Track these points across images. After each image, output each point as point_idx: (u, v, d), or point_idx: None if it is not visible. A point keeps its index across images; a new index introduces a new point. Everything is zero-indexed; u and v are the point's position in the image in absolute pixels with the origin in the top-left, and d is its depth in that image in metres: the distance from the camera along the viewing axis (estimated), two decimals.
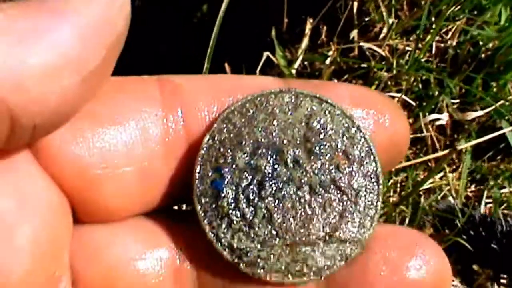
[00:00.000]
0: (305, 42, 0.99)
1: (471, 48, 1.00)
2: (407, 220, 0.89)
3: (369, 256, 0.33)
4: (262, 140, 0.33)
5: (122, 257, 0.32)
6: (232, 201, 0.32)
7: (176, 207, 0.36)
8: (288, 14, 1.02)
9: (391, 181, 0.94)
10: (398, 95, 0.94)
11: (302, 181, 0.33)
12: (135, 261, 0.32)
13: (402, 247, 0.33)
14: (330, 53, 0.98)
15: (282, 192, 0.32)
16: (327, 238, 0.32)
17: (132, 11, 0.28)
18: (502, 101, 0.95)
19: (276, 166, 0.33)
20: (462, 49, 0.98)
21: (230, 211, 0.32)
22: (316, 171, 0.33)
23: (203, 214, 0.32)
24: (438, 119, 0.95)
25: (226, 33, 1.09)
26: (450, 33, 1.00)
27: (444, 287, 0.33)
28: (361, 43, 0.98)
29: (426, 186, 0.94)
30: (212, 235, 0.32)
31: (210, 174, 0.32)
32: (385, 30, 0.99)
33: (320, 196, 0.33)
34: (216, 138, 0.33)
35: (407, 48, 0.98)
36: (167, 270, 0.33)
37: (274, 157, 0.33)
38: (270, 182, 0.32)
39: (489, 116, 0.98)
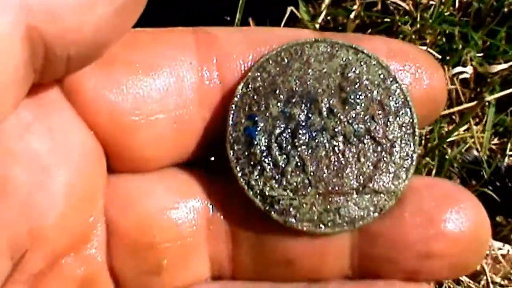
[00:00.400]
0: None
1: (495, 2, 1.00)
2: (433, 172, 0.89)
3: (404, 207, 0.33)
4: (297, 88, 0.33)
5: (155, 206, 0.33)
6: (264, 148, 0.32)
7: (210, 159, 0.36)
8: None
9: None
10: (423, 48, 0.94)
11: (336, 130, 0.33)
12: (168, 210, 0.33)
13: (439, 199, 0.33)
14: (354, 7, 0.98)
15: (316, 141, 0.33)
16: (360, 188, 0.33)
17: None
18: None
19: (310, 115, 0.33)
20: (485, 2, 0.98)
21: (263, 159, 0.32)
22: (350, 121, 0.33)
23: (235, 161, 0.33)
24: (463, 72, 0.96)
25: None
26: None
27: (482, 241, 0.34)
28: None
29: (451, 138, 0.95)
30: (244, 182, 0.32)
31: (243, 121, 0.33)
32: None
33: (354, 146, 0.33)
34: (250, 86, 0.33)
35: (431, 2, 0.98)
36: (200, 220, 0.33)
37: (308, 105, 0.33)
38: (304, 131, 0.33)
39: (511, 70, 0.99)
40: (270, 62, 0.33)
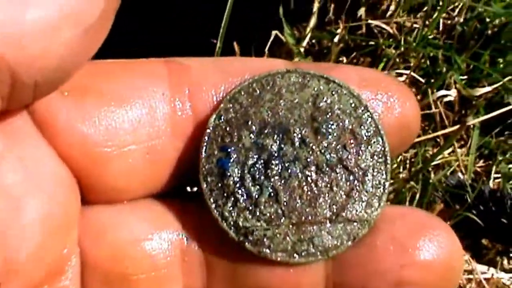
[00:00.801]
0: (313, 20, 1.00)
1: (478, 24, 1.00)
2: (417, 196, 0.89)
3: (377, 236, 0.33)
4: (269, 119, 0.33)
5: (128, 237, 0.33)
6: (238, 179, 0.32)
7: (184, 189, 0.36)
8: None
9: (401, 157, 0.95)
10: (407, 72, 0.94)
11: (309, 160, 0.32)
12: (142, 241, 0.33)
13: (412, 228, 0.33)
14: (338, 31, 0.98)
15: (289, 171, 0.32)
16: (333, 217, 0.32)
17: None
18: (509, 77, 0.96)
19: (282, 145, 0.33)
20: (469, 25, 0.98)
21: (236, 190, 0.32)
22: (322, 150, 0.33)
23: (208, 193, 0.32)
24: (447, 95, 0.96)
25: (234, 13, 1.09)
26: (457, 10, 1.00)
27: (455, 270, 0.33)
28: (369, 21, 0.99)
29: (435, 162, 0.95)
30: (218, 213, 0.32)
31: (216, 153, 0.33)
32: (392, 7, 0.99)
33: (327, 176, 0.33)
34: (222, 118, 0.33)
35: (415, 25, 0.98)
36: (175, 251, 0.33)
37: (280, 136, 0.33)
38: (277, 161, 0.32)
39: (496, 92, 0.99)
40: (242, 93, 0.33)
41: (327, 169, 0.33)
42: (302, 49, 0.98)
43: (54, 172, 0.31)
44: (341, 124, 0.33)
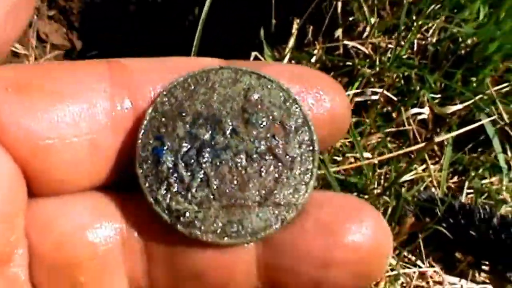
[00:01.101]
0: (291, 41, 1.03)
1: (451, 44, 1.03)
2: (389, 210, 0.92)
3: (305, 219, 0.34)
4: (202, 111, 0.35)
5: (72, 227, 0.34)
6: (171, 166, 0.34)
7: (125, 181, 0.37)
8: (276, 16, 1.06)
9: (376, 173, 0.98)
10: (380, 90, 0.98)
11: (239, 148, 0.34)
12: (84, 230, 0.34)
13: (339, 212, 0.34)
14: (316, 51, 1.02)
15: (220, 158, 0.34)
16: (262, 201, 0.34)
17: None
18: (480, 95, 0.98)
19: (214, 135, 0.34)
20: (442, 46, 1.01)
21: (169, 176, 0.34)
22: (252, 139, 0.34)
23: (144, 179, 0.34)
24: (420, 113, 0.99)
25: (217, 35, 1.14)
26: (430, 31, 1.04)
27: (382, 251, 0.34)
28: (346, 42, 1.02)
29: (409, 177, 0.98)
30: (151, 198, 0.34)
31: (151, 142, 0.34)
32: (368, 29, 1.03)
33: (256, 163, 0.34)
34: (158, 110, 0.35)
35: (389, 45, 1.02)
36: (116, 239, 0.35)
37: (212, 126, 0.35)
38: (208, 149, 0.34)
39: (469, 110, 1.02)
40: (178, 87, 0.35)
41: (257, 156, 0.34)
42: None
43: None
44: (270, 115, 0.35)
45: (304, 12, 1.02)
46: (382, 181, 0.98)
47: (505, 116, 1.00)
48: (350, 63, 1.02)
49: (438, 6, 1.03)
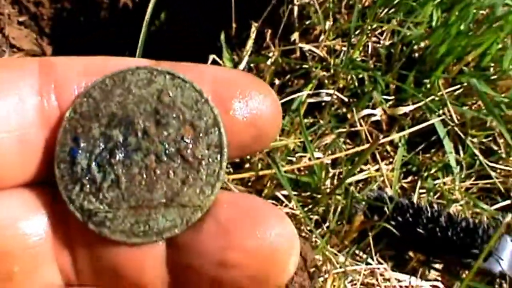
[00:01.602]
0: (249, 44, 1.05)
1: (404, 47, 1.05)
2: (339, 208, 0.94)
3: (207, 220, 0.35)
4: (117, 112, 0.35)
5: (4, 219, 0.35)
6: (85, 166, 0.35)
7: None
8: (236, 20, 1.08)
9: (330, 173, 1.00)
10: (332, 92, 1.00)
11: (149, 150, 0.35)
12: (16, 222, 0.35)
13: (239, 213, 0.35)
14: (272, 54, 1.04)
15: (131, 160, 0.35)
16: (168, 202, 0.35)
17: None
18: (432, 97, 1.00)
19: (127, 136, 0.35)
20: (395, 48, 1.03)
21: (83, 176, 0.35)
22: (162, 141, 0.35)
23: (60, 179, 0.35)
24: (373, 114, 1.01)
25: (175, 38, 1.16)
26: (384, 34, 1.06)
27: (284, 255, 0.34)
28: (301, 45, 1.04)
29: (362, 177, 1.00)
30: (66, 197, 0.35)
31: (69, 142, 0.35)
32: (323, 32, 1.05)
33: (165, 164, 0.35)
34: (77, 111, 0.35)
35: (344, 48, 1.04)
36: (45, 232, 0.36)
37: (126, 127, 0.35)
38: (120, 150, 0.35)
39: (421, 112, 1.04)
40: (96, 88, 0.36)
41: (166, 158, 0.35)
42: None
43: None
44: (181, 116, 0.35)
45: (262, 16, 1.04)
46: (335, 181, 0.99)
47: (456, 117, 1.01)
48: (306, 66, 1.04)
49: (392, 10, 1.05)
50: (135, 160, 0.35)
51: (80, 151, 0.35)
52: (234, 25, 1.09)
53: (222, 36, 1.07)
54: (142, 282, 0.36)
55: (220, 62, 1.04)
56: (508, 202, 1.02)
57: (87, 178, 0.35)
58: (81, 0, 1.34)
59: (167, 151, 0.35)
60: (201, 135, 0.35)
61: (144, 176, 0.35)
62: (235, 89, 0.36)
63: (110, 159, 0.35)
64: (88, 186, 0.35)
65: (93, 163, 0.35)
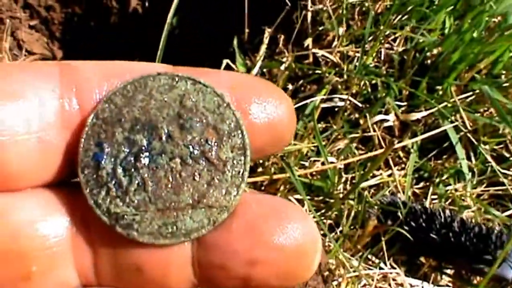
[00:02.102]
0: (262, 49, 1.06)
1: (417, 54, 1.06)
2: (352, 213, 0.94)
3: (233, 219, 0.36)
4: (140, 117, 0.36)
5: (24, 220, 0.36)
6: (110, 171, 0.36)
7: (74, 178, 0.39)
8: (249, 25, 1.09)
9: (342, 178, 1.00)
10: (346, 97, 1.00)
11: (174, 153, 0.36)
12: (36, 223, 0.36)
13: (266, 212, 0.36)
14: (286, 59, 1.05)
15: (156, 163, 0.36)
16: (195, 204, 0.36)
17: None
18: (445, 103, 1.01)
19: (151, 140, 0.36)
20: (408, 55, 1.04)
21: (109, 180, 0.36)
22: (187, 144, 0.36)
23: (85, 184, 0.36)
24: (385, 120, 1.01)
25: (188, 43, 1.16)
26: (397, 41, 1.07)
27: (308, 253, 0.35)
28: (314, 50, 1.05)
29: (374, 182, 1.00)
30: (92, 201, 0.36)
31: (92, 148, 0.36)
32: (337, 38, 1.05)
33: (190, 167, 0.36)
34: (99, 117, 0.36)
35: (357, 54, 1.04)
36: (65, 233, 0.37)
37: (150, 132, 0.36)
38: (145, 154, 0.36)
39: (434, 118, 1.04)
40: (118, 94, 0.36)
41: (191, 161, 0.36)
42: None
43: None
44: (204, 120, 0.36)
45: (275, 21, 1.04)
46: (347, 186, 1.00)
47: (468, 124, 1.02)
48: (319, 71, 1.04)
49: (405, 17, 1.06)
50: (160, 163, 0.36)
51: (104, 156, 0.36)
52: (247, 30, 1.09)
53: (235, 41, 1.07)
54: (167, 282, 0.37)
55: (233, 66, 1.05)
56: None
57: (113, 182, 0.36)
58: (92, 5, 1.35)
59: (192, 154, 0.36)
60: (224, 138, 0.36)
61: (170, 179, 0.36)
62: (253, 94, 0.37)
63: (135, 163, 0.36)
64: (114, 190, 0.36)
65: (118, 167, 0.36)
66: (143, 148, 0.36)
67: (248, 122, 0.37)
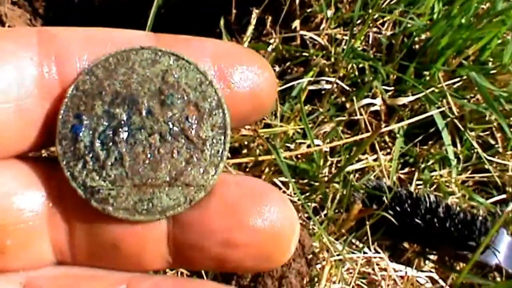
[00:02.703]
0: (249, 31, 1.05)
1: (406, 39, 1.05)
2: (337, 196, 0.93)
3: (212, 199, 0.36)
4: (121, 91, 0.36)
5: (0, 192, 0.35)
6: (88, 144, 0.35)
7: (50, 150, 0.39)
8: (236, 5, 1.08)
9: (328, 161, 0.99)
10: (333, 80, 0.99)
11: (154, 129, 0.36)
12: (12, 196, 0.36)
13: (244, 193, 0.36)
14: (273, 41, 1.04)
15: (135, 138, 0.35)
16: (172, 181, 0.35)
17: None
18: (432, 88, 1.00)
19: (131, 115, 0.36)
20: (396, 39, 1.03)
21: (86, 153, 0.35)
22: (167, 121, 0.36)
23: (62, 155, 0.35)
24: (372, 104, 1.01)
25: (174, 23, 1.15)
26: (386, 24, 1.06)
27: (285, 236, 0.36)
28: (302, 32, 1.04)
29: (359, 166, 0.99)
30: (69, 173, 0.35)
31: (71, 119, 0.36)
32: (325, 20, 1.04)
33: (169, 144, 0.36)
34: (79, 88, 0.36)
35: (345, 37, 1.04)
36: (41, 207, 0.36)
37: (130, 106, 0.36)
38: (124, 129, 0.35)
39: (421, 103, 1.04)
40: (99, 66, 0.36)
41: (170, 137, 0.36)
42: None
43: None
44: (186, 97, 0.36)
45: (263, 2, 1.03)
46: (333, 169, 0.99)
47: (455, 110, 1.02)
48: (306, 54, 1.03)
49: (394, 0, 1.05)
50: (139, 139, 0.35)
51: (83, 128, 0.35)
52: (234, 11, 1.08)
53: (222, 22, 1.06)
54: (142, 260, 0.37)
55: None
56: (503, 196, 1.02)
57: (90, 155, 0.35)
58: None
59: (171, 131, 0.36)
60: (205, 116, 0.36)
61: (148, 155, 0.35)
62: (235, 62, 0.36)
63: (114, 137, 0.35)
64: (91, 163, 0.35)
65: (97, 141, 0.35)
66: (123, 122, 0.36)
67: (230, 90, 0.36)
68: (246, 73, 0.36)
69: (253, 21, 1.05)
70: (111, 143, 0.35)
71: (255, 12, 1.05)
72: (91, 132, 0.36)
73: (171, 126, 0.36)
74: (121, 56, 0.36)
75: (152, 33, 0.38)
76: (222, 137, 0.36)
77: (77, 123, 0.36)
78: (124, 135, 0.35)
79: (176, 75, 0.36)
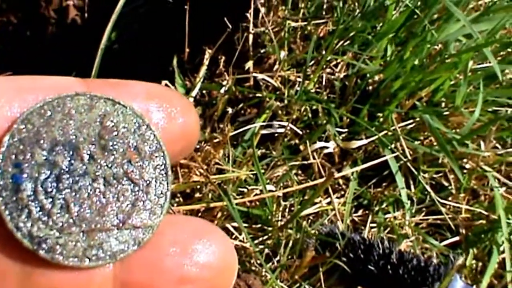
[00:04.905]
0: (202, 71, 1.04)
1: (359, 80, 1.05)
2: (290, 242, 0.92)
3: (161, 239, 0.36)
4: (60, 138, 0.35)
5: None
6: (31, 193, 0.34)
7: None
8: (189, 44, 1.06)
9: (281, 206, 0.98)
10: (286, 124, 0.99)
11: (97, 174, 0.35)
12: None
13: (190, 232, 0.36)
14: (226, 82, 1.02)
15: (79, 185, 0.35)
16: (120, 225, 0.35)
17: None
18: (385, 131, 1.00)
19: (72, 161, 0.35)
20: (349, 81, 1.03)
21: (30, 203, 0.34)
22: (109, 165, 0.35)
23: (3, 206, 0.34)
24: (325, 147, 1.00)
25: (126, 60, 1.13)
26: (339, 66, 1.06)
27: (229, 268, 0.37)
28: (255, 74, 1.03)
29: (313, 210, 0.99)
30: (12, 225, 0.34)
31: (10, 169, 0.34)
32: (278, 62, 1.04)
33: (114, 187, 0.35)
34: (16, 137, 0.35)
35: (298, 79, 1.03)
36: None
37: (70, 153, 0.35)
38: (67, 176, 0.35)
39: (374, 146, 1.04)
40: (35, 114, 0.35)
41: (114, 181, 0.35)
42: (191, 99, 1.02)
43: None
44: (126, 141, 0.35)
45: (216, 42, 1.02)
46: (286, 213, 0.98)
47: (408, 153, 1.01)
48: (259, 95, 1.02)
49: (347, 42, 1.05)
50: (83, 184, 0.35)
51: (24, 177, 0.34)
52: (187, 50, 1.07)
53: (175, 61, 1.05)
54: None
55: (172, 87, 1.02)
56: (457, 238, 1.02)
57: (34, 204, 0.34)
58: (28, 14, 1.30)
59: (115, 175, 0.35)
60: (146, 159, 0.36)
61: (94, 200, 0.35)
62: (167, 103, 0.37)
63: (57, 185, 0.34)
64: (36, 212, 0.34)
65: (40, 189, 0.34)
66: (65, 169, 0.35)
67: (164, 133, 0.37)
68: (175, 113, 0.37)
69: (206, 61, 1.04)
70: (55, 191, 0.34)
71: (208, 52, 1.04)
72: (33, 181, 0.34)
73: (114, 170, 0.35)
74: (56, 103, 0.35)
75: (81, 79, 0.37)
76: (165, 178, 0.36)
77: (17, 173, 0.34)
78: (68, 182, 0.34)
79: (114, 119, 0.35)
